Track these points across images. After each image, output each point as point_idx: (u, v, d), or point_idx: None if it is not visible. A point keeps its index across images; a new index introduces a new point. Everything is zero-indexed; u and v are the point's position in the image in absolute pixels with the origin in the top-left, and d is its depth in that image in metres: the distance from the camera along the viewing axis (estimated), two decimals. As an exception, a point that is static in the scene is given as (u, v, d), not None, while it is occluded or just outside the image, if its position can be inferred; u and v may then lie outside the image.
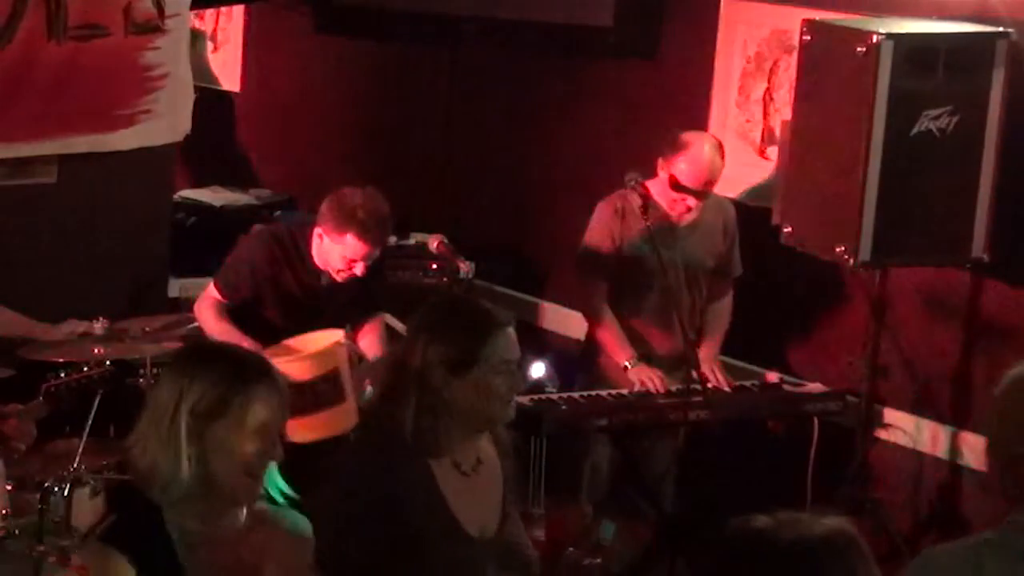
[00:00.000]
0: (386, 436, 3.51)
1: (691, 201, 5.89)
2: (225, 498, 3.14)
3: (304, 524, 3.33)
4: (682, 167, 5.85)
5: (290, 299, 5.59)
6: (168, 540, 3.12)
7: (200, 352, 3.31)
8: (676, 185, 5.87)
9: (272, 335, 5.47)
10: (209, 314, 5.60)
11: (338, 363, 5.27)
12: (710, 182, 5.89)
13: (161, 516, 3.13)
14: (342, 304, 5.62)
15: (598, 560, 6.14)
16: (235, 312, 5.59)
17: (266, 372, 3.18)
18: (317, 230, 5.52)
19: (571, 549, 6.19)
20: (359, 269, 5.51)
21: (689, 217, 6.01)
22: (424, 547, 3.47)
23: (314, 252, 5.56)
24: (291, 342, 5.42)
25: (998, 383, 2.98)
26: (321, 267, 5.57)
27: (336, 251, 5.49)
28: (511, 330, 3.65)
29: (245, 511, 3.20)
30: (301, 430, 4.95)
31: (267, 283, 5.59)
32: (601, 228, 6.00)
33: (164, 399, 3.11)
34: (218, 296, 5.63)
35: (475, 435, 3.63)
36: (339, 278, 5.55)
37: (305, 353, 5.24)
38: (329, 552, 3.39)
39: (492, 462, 3.68)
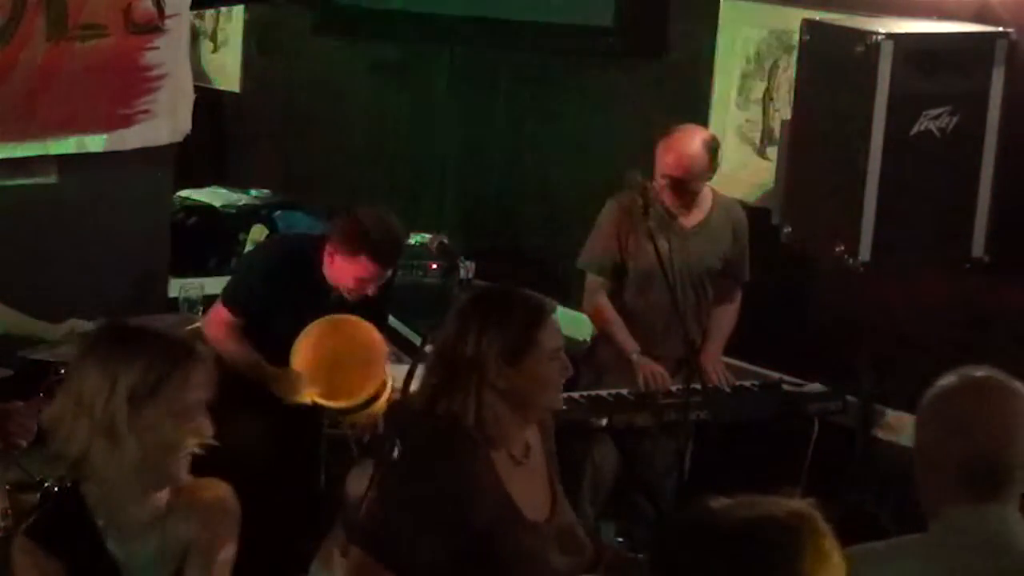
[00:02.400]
0: (449, 431, 3.49)
1: (675, 194, 5.87)
2: (156, 479, 3.14)
3: (225, 492, 3.32)
4: (667, 157, 5.86)
5: (300, 315, 5.55)
6: (95, 528, 3.12)
7: (125, 335, 3.24)
8: (662, 174, 5.87)
9: (280, 349, 5.47)
10: (225, 337, 5.54)
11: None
12: (690, 171, 5.86)
13: (85, 505, 3.12)
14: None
15: (639, 555, 6.15)
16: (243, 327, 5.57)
17: (194, 351, 3.18)
18: (328, 248, 5.47)
19: (620, 540, 6.21)
20: (370, 290, 5.49)
21: (695, 218, 6.01)
22: (494, 539, 3.46)
23: (325, 270, 5.51)
24: (330, 333, 5.45)
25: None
26: (332, 283, 5.55)
27: (348, 272, 5.45)
28: (556, 316, 3.66)
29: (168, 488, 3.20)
30: (361, 418, 5.51)
31: (279, 298, 5.54)
32: (608, 225, 6.02)
33: (94, 385, 3.07)
34: (228, 315, 5.57)
35: (528, 423, 3.62)
36: (349, 296, 5.53)
37: (379, 378, 5.40)
38: (400, 549, 3.39)
39: (537, 447, 3.68)
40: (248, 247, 7.27)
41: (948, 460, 2.92)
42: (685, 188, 5.90)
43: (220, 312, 5.60)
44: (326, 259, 5.49)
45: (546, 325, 3.58)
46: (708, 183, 6.05)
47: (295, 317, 5.52)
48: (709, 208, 6.04)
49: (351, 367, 5.46)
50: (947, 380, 2.99)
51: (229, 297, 5.61)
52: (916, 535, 2.99)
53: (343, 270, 5.46)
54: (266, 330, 5.54)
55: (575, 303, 6.50)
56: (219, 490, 3.31)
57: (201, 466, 5.72)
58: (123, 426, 3.05)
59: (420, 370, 3.78)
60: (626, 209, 5.95)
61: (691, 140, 5.87)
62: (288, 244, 5.67)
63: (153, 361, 3.08)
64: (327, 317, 5.48)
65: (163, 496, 3.18)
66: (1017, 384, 2.99)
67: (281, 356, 5.48)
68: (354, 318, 5.49)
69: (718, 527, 2.30)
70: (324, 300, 5.54)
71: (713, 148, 5.92)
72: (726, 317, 6.15)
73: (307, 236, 5.76)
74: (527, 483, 3.60)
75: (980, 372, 3.01)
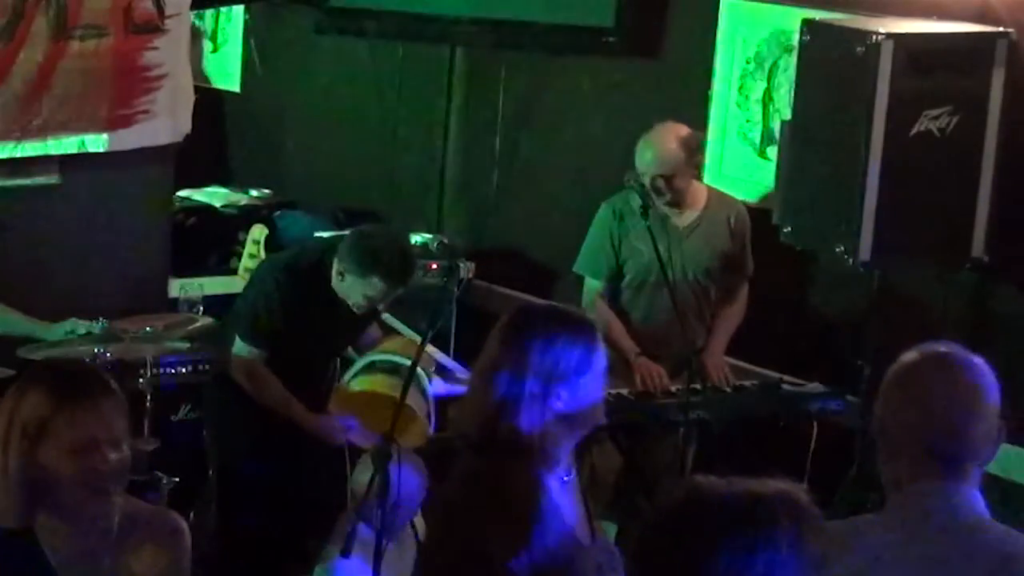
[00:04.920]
0: (516, 459, 3.43)
1: (657, 192, 5.85)
2: (75, 517, 3.12)
3: (176, 520, 3.29)
4: (644, 155, 5.85)
5: (316, 331, 5.55)
6: (46, 563, 3.11)
7: (31, 371, 3.25)
8: (640, 172, 5.85)
9: (302, 370, 5.50)
10: (257, 379, 5.53)
11: None
12: (667, 167, 5.83)
13: (35, 539, 3.10)
14: (354, 325, 5.64)
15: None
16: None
17: (91, 387, 3.13)
18: (338, 266, 5.43)
19: None
20: (381, 306, 5.48)
21: (688, 218, 6.00)
22: (559, 566, 3.42)
23: (334, 284, 5.48)
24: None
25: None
26: (341, 297, 5.51)
27: (359, 291, 5.42)
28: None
29: (116, 520, 3.16)
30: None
31: (300, 324, 5.51)
32: (600, 230, 6.02)
33: (3, 422, 3.09)
34: (255, 353, 5.52)
35: (576, 442, 3.58)
36: (358, 311, 5.52)
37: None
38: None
39: (572, 465, 3.65)
40: (248, 247, 7.26)
41: (910, 436, 2.92)
42: (667, 185, 5.86)
43: (249, 356, 5.54)
44: (335, 276, 5.46)
45: (599, 345, 3.54)
46: (704, 182, 6.06)
47: (313, 335, 5.55)
48: (703, 207, 6.03)
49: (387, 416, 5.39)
50: (909, 356, 3.00)
51: (252, 336, 5.53)
52: (879, 511, 2.99)
53: (354, 289, 5.44)
54: (287, 354, 5.54)
55: (573, 302, 6.51)
56: (171, 521, 3.29)
57: (203, 469, 5.74)
58: (15, 461, 3.04)
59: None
60: (617, 212, 5.96)
61: (666, 137, 5.85)
62: (296, 268, 5.54)
63: (42, 401, 3.07)
64: (364, 392, 5.34)
65: (106, 527, 3.14)
66: (977, 359, 3.00)
67: (305, 377, 5.52)
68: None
69: (705, 502, 2.29)
70: (335, 312, 5.53)
71: (692, 145, 5.87)
72: (731, 314, 6.14)
73: (309, 250, 5.70)
74: (572, 504, 3.57)
75: (942, 347, 3.02)
